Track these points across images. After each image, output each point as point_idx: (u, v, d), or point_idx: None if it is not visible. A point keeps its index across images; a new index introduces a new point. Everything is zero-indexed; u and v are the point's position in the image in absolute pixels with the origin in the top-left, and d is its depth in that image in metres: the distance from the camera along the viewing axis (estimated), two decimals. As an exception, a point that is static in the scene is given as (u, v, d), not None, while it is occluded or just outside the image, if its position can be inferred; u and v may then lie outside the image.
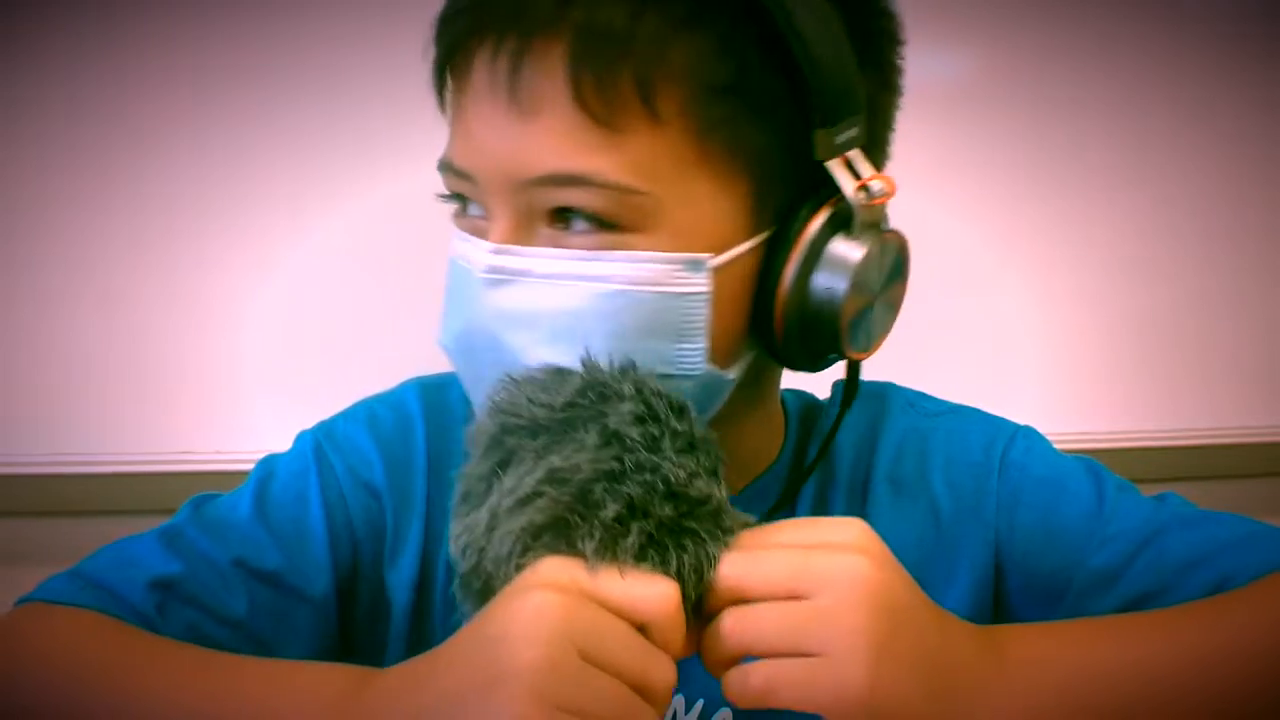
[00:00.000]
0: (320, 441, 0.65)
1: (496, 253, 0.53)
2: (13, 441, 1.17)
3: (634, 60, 0.50)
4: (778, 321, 0.54)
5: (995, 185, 1.24)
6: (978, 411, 0.68)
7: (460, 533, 0.47)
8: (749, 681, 0.45)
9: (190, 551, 0.59)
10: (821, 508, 0.64)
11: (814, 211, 0.54)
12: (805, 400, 0.70)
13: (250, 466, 1.14)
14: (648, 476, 0.46)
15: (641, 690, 0.43)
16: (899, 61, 0.59)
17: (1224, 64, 1.25)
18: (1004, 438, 0.65)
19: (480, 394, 0.55)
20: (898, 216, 0.57)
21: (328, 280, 1.20)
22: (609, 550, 0.44)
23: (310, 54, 1.20)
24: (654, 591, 0.44)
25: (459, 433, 0.63)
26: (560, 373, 0.49)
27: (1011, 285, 1.24)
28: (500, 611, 0.43)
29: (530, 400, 0.48)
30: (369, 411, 0.67)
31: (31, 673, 0.52)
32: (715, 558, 0.46)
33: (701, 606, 0.47)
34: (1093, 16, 1.25)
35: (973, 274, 1.21)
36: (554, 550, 0.45)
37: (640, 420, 0.47)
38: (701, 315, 0.53)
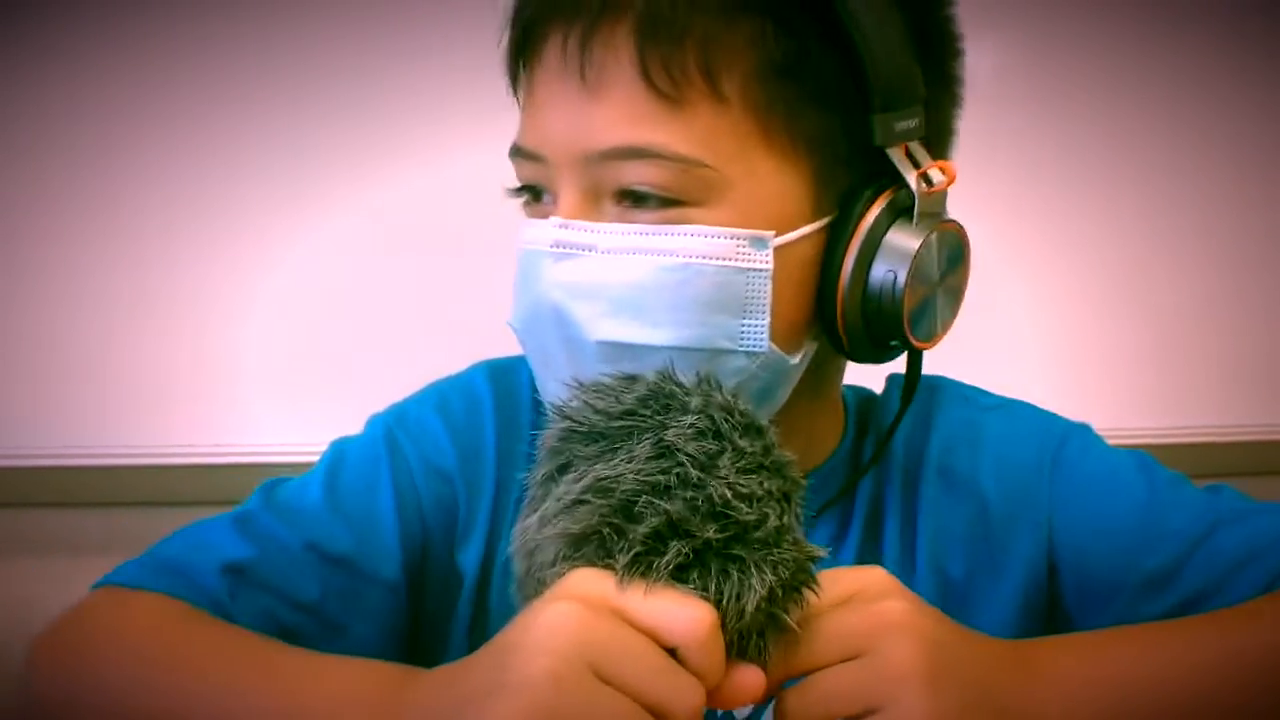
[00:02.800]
0: (391, 426, 0.65)
1: (562, 227, 0.54)
2: (13, 435, 1.17)
3: (696, 38, 0.52)
4: (840, 307, 0.55)
5: (996, 184, 1.24)
6: (1031, 407, 0.68)
7: (515, 536, 0.47)
8: None
9: (262, 536, 0.59)
10: (877, 501, 0.65)
11: (875, 198, 0.55)
12: (862, 395, 0.71)
13: (250, 460, 1.16)
14: (691, 494, 0.43)
15: (661, 714, 0.41)
16: (960, 74, 0.60)
17: (1232, 63, 1.25)
18: (1056, 436, 0.65)
19: (547, 372, 0.56)
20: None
21: (327, 278, 1.20)
22: (643, 566, 0.42)
23: (311, 55, 1.20)
24: (687, 613, 0.41)
25: (527, 415, 0.66)
26: (630, 380, 0.48)
27: (1014, 284, 1.24)
28: (523, 620, 0.43)
29: (590, 406, 0.47)
30: (439, 395, 0.67)
31: (104, 656, 0.52)
32: (761, 588, 0.43)
33: (747, 638, 0.44)
34: (1096, 15, 1.25)
35: (976, 273, 1.22)
36: (591, 561, 0.43)
37: (700, 435, 0.45)
38: (765, 292, 0.54)
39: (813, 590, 0.44)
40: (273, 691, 0.49)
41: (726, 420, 0.45)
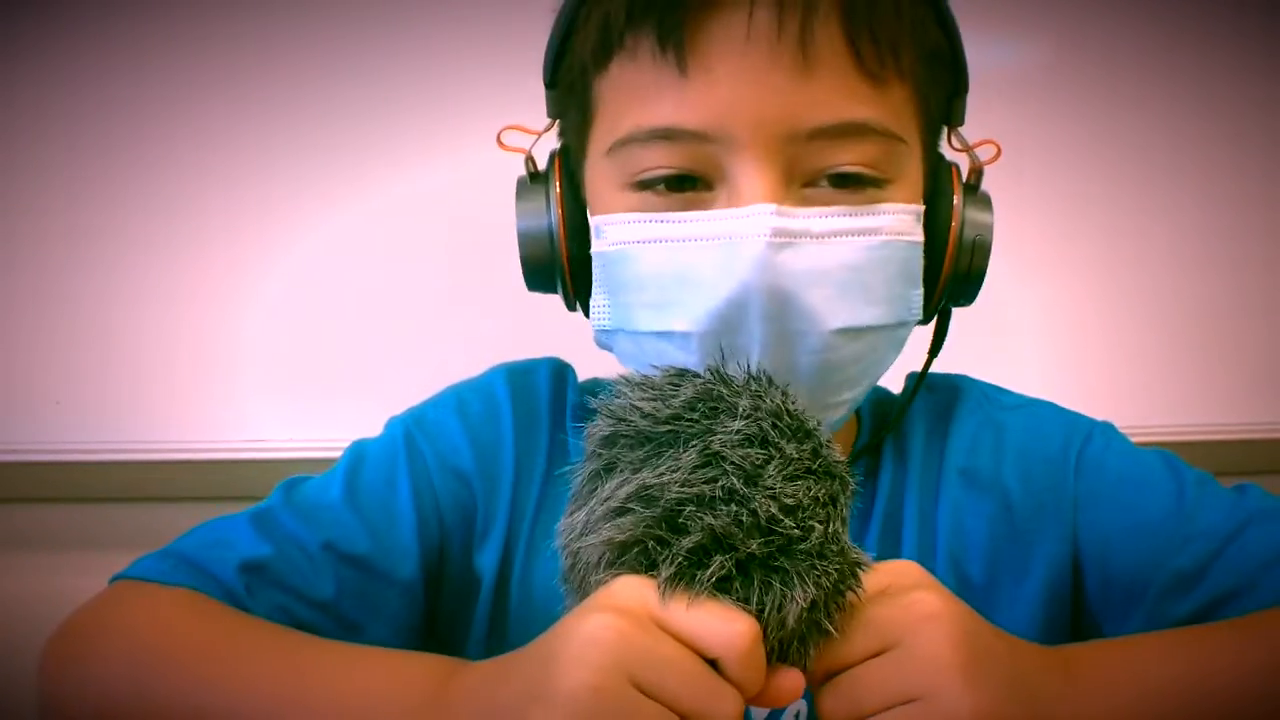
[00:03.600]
0: (410, 429, 0.65)
1: (779, 214, 0.52)
2: (16, 430, 1.17)
3: (892, 20, 0.54)
4: (946, 265, 0.59)
5: (1000, 185, 1.24)
6: (1053, 406, 0.68)
7: (561, 530, 0.47)
8: None
9: (280, 534, 0.59)
10: (895, 501, 0.65)
11: (950, 170, 0.60)
12: (878, 393, 0.71)
13: (253, 456, 1.16)
14: (735, 508, 0.42)
15: None
16: None
17: (1235, 61, 1.25)
18: (1081, 434, 0.65)
19: (750, 363, 0.54)
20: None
21: (330, 276, 1.20)
22: (685, 579, 0.42)
23: (310, 54, 1.20)
24: (728, 627, 0.41)
25: (545, 418, 0.67)
26: (679, 378, 0.47)
27: (1021, 282, 1.24)
28: (564, 628, 0.43)
29: (637, 409, 0.46)
30: (458, 398, 0.67)
31: (125, 647, 0.53)
32: (804, 599, 0.42)
33: (789, 644, 0.44)
34: (1096, 16, 1.25)
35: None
36: (634, 569, 0.43)
37: (747, 442, 0.44)
38: (921, 263, 0.58)
39: (856, 594, 0.44)
40: (302, 685, 0.49)
41: (775, 425, 0.44)
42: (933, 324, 0.65)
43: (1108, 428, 0.66)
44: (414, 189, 1.20)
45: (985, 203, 0.60)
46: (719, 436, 0.44)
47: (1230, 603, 0.56)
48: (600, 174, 0.58)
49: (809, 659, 0.44)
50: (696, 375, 0.47)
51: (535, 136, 0.62)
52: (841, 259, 0.54)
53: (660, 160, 0.54)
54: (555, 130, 0.63)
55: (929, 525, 0.64)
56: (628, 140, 0.55)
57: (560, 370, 0.70)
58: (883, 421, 0.68)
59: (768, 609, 0.42)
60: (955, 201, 0.59)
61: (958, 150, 0.61)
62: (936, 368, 0.71)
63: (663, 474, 0.43)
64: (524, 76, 0.64)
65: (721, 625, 0.41)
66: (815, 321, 0.53)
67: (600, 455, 0.46)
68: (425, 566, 0.62)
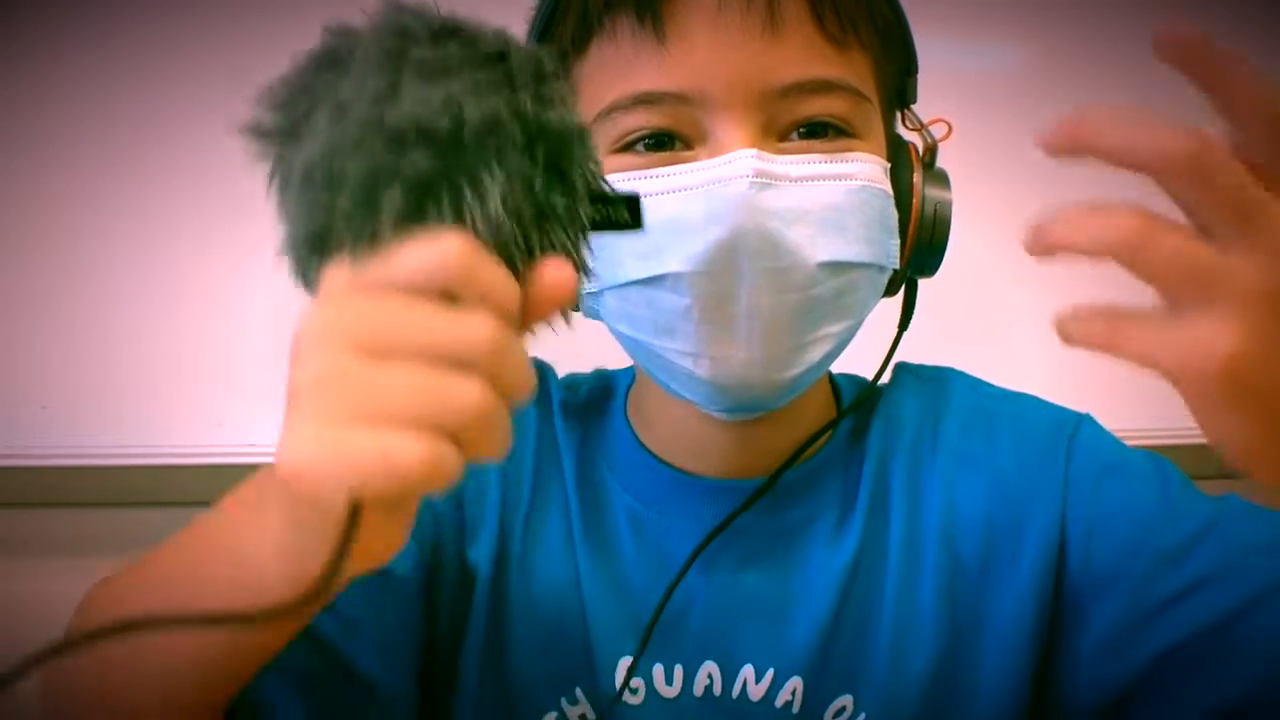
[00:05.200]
0: None
1: (759, 158, 0.56)
2: (13, 435, 1.16)
3: None
4: (911, 232, 0.62)
5: (999, 185, 1.24)
6: (1037, 398, 0.70)
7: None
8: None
9: None
10: (882, 479, 0.66)
11: (910, 148, 0.64)
12: (859, 382, 0.72)
13: (252, 460, 1.15)
14: (369, 136, 0.37)
15: (459, 361, 0.36)
16: None
17: (1255, 57, 1.25)
18: (1071, 421, 0.67)
19: (712, 317, 0.57)
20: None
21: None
22: (364, 236, 0.37)
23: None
24: (428, 250, 0.36)
25: (532, 412, 0.69)
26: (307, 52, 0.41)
27: (1016, 284, 1.24)
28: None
29: (269, 105, 0.40)
30: None
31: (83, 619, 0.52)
32: (499, 185, 0.37)
33: (526, 240, 0.38)
34: (1096, 17, 1.25)
35: (979, 273, 1.22)
36: (325, 260, 0.38)
37: (378, 70, 0.38)
38: (895, 216, 0.61)
39: (591, 162, 0.40)
40: (183, 546, 0.48)
41: (404, 35, 0.38)
42: (901, 299, 0.68)
43: (1091, 418, 0.68)
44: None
45: (943, 178, 0.64)
46: (346, 82, 0.38)
47: (1214, 584, 0.56)
48: None
49: (565, 246, 0.40)
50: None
51: None
52: (822, 199, 0.57)
53: (641, 122, 0.58)
54: None
55: (918, 507, 0.65)
56: (612, 109, 0.58)
57: (541, 368, 0.73)
58: (866, 404, 0.70)
59: (466, 215, 0.37)
60: (915, 177, 0.62)
61: (911, 130, 0.66)
62: (929, 363, 0.73)
63: (305, 149, 0.38)
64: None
65: (421, 254, 0.36)
66: (800, 256, 0.56)
67: (270, 181, 0.41)
68: (422, 563, 0.62)
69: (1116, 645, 0.59)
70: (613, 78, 0.58)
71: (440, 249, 0.36)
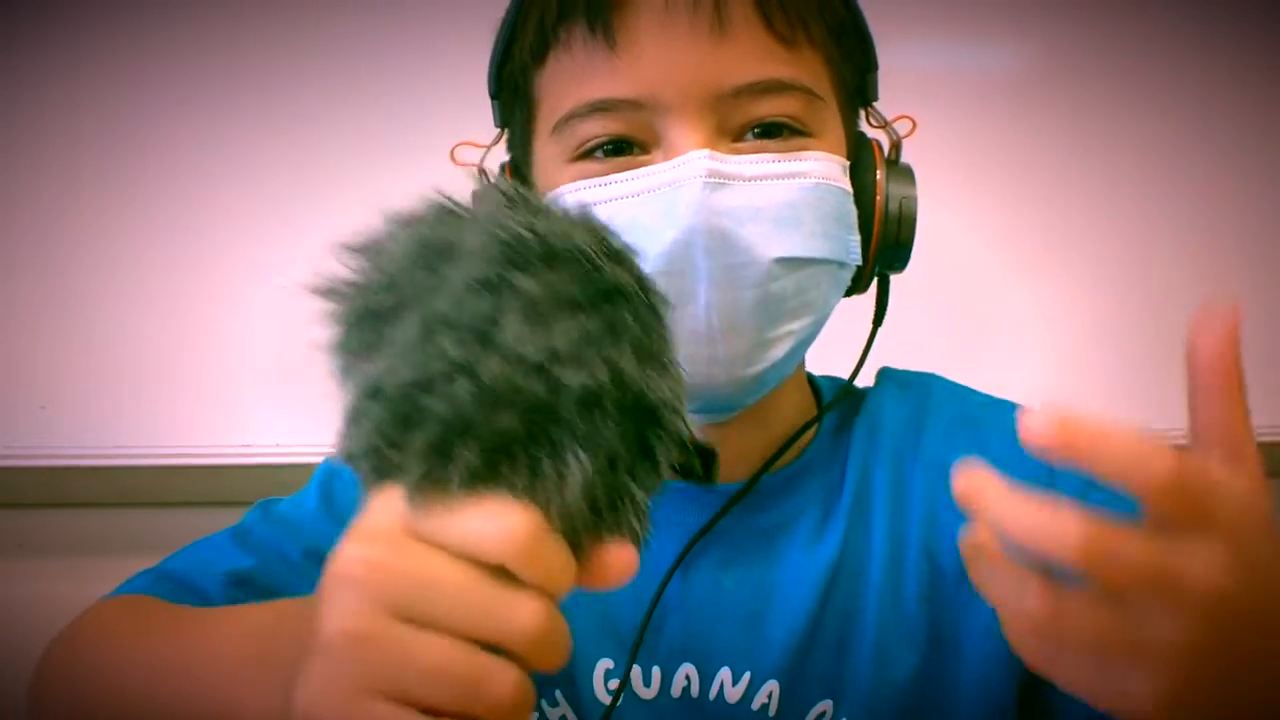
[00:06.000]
0: None
1: (712, 158, 0.56)
2: (14, 436, 1.16)
3: None
4: (876, 229, 0.62)
5: (997, 185, 1.24)
6: (1021, 406, 0.70)
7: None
8: None
9: (261, 547, 0.61)
10: (865, 482, 0.66)
11: (873, 146, 0.64)
12: (839, 383, 0.72)
13: (252, 461, 1.15)
14: (463, 380, 0.34)
15: (497, 642, 0.35)
16: None
17: (1234, 61, 1.25)
18: None
19: (698, 303, 0.57)
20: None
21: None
22: (433, 482, 0.35)
23: (306, 59, 1.20)
24: (494, 522, 0.35)
25: None
26: (401, 226, 0.38)
27: (1015, 284, 1.24)
28: (330, 561, 0.37)
29: (349, 284, 0.37)
30: None
31: (70, 652, 0.54)
32: (583, 466, 0.35)
33: (598, 518, 0.37)
34: (1096, 17, 1.25)
35: (978, 274, 1.22)
36: (379, 483, 0.36)
37: (475, 291, 0.35)
38: (854, 212, 0.62)
39: (680, 425, 0.38)
40: (168, 650, 0.49)
41: (513, 258, 0.35)
42: (874, 295, 0.68)
43: None
44: (412, 193, 1.19)
45: (907, 174, 0.64)
46: (441, 295, 0.35)
47: None
48: (546, 157, 0.62)
49: (632, 528, 0.38)
50: (422, 220, 0.38)
51: (485, 150, 0.66)
52: (776, 197, 0.57)
53: (598, 130, 0.59)
54: (504, 145, 0.67)
55: (901, 515, 0.65)
56: (569, 117, 0.59)
57: None
58: (849, 405, 0.70)
59: (543, 491, 0.35)
60: (879, 174, 0.63)
61: (875, 127, 0.67)
62: (923, 366, 0.73)
63: (383, 358, 0.35)
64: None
65: (487, 523, 0.35)
66: (754, 253, 0.56)
67: (334, 352, 0.38)
68: None
69: None
70: (569, 87, 0.59)
71: (508, 524, 0.35)
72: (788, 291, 0.58)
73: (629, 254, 0.39)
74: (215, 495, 1.18)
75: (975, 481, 0.35)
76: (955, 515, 0.63)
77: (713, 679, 0.63)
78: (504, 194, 0.37)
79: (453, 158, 0.65)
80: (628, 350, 0.36)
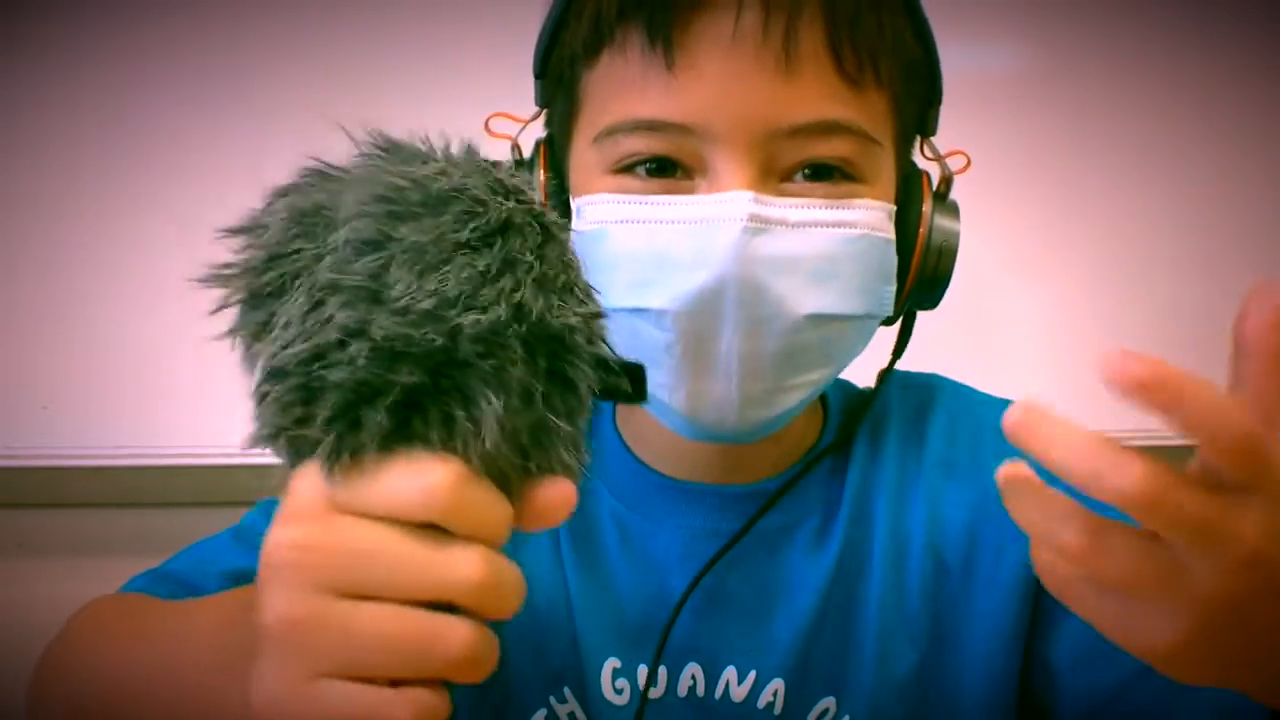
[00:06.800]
0: None
1: (757, 201, 0.54)
2: (14, 436, 1.17)
3: (873, 31, 0.56)
4: (913, 270, 0.61)
5: (999, 186, 1.24)
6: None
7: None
8: None
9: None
10: (866, 495, 0.66)
11: (923, 178, 0.62)
12: (846, 389, 0.72)
13: (246, 461, 1.15)
14: (356, 344, 0.33)
15: (443, 598, 0.34)
16: None
17: (1235, 61, 1.25)
18: None
19: (694, 360, 0.56)
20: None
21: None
22: (347, 452, 0.34)
23: (310, 55, 1.20)
24: (415, 479, 0.34)
25: None
26: (276, 196, 0.37)
27: (1017, 285, 1.24)
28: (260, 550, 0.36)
29: (231, 266, 0.36)
30: None
31: (66, 652, 0.54)
32: (497, 408, 0.34)
33: (528, 457, 0.36)
34: (1097, 17, 1.25)
35: (978, 274, 1.22)
36: (296, 462, 0.35)
37: (364, 246, 0.34)
38: (895, 260, 0.60)
39: (597, 347, 0.37)
40: (146, 645, 0.50)
41: (393, 210, 0.34)
42: (897, 325, 0.67)
43: None
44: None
45: (953, 210, 0.62)
46: (326, 259, 0.34)
47: None
48: (584, 161, 0.59)
49: (564, 461, 0.37)
50: (294, 186, 0.37)
51: (522, 125, 0.64)
52: (818, 248, 0.55)
53: (642, 147, 0.56)
54: (542, 120, 0.65)
55: (903, 515, 0.65)
56: (613, 129, 0.56)
57: None
58: (852, 418, 0.69)
59: (460, 439, 0.34)
60: (925, 209, 0.61)
61: (929, 159, 0.64)
62: (924, 367, 0.73)
63: (276, 337, 0.35)
64: (515, 65, 0.65)
65: (406, 482, 0.34)
66: (785, 306, 0.55)
67: (234, 339, 0.37)
68: None
69: (1092, 656, 0.60)
70: (619, 95, 0.56)
71: (428, 479, 0.34)
72: (813, 344, 0.57)
73: (520, 186, 0.37)
74: (216, 495, 1.18)
75: (1029, 415, 0.34)
76: (958, 512, 0.64)
77: (718, 678, 0.64)
78: (378, 147, 0.37)
79: (487, 128, 0.62)
80: (527, 282, 0.35)
